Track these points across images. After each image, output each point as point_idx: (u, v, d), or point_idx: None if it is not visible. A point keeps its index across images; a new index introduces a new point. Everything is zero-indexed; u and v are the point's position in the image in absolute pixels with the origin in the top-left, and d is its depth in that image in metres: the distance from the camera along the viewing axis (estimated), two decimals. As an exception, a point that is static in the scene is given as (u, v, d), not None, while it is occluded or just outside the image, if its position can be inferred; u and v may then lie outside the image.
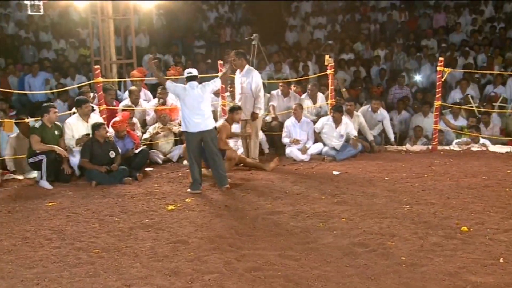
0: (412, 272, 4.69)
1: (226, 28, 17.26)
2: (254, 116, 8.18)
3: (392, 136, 9.96)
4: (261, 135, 8.81)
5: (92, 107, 8.31)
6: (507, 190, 6.90)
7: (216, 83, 7.37)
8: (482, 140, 9.35)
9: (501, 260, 4.86)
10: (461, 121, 10.23)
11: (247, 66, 8.07)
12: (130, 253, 5.19)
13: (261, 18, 18.02)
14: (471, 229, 5.60)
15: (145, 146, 8.43)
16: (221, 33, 17.05)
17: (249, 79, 8.01)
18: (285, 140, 9.02)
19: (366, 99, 11.79)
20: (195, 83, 7.17)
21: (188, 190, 7.13)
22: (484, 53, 13.87)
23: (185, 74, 7.34)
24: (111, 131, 8.14)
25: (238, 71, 8.19)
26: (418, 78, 13.29)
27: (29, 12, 11.05)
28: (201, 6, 18.32)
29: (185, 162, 8.77)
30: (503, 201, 6.45)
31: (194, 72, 7.31)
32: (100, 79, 8.26)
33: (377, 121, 9.78)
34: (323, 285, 4.50)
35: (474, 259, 4.91)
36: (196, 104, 7.05)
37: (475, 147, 9.25)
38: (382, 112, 9.94)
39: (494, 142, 9.46)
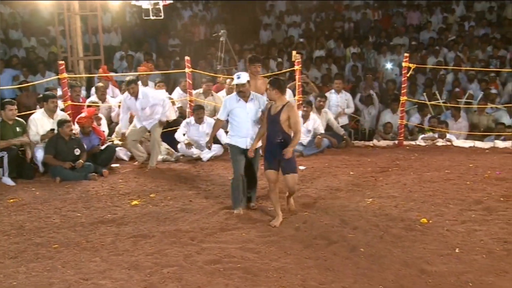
0: (370, 262, 4.77)
1: (200, 26, 17.20)
2: (161, 123, 8.22)
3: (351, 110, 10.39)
4: None
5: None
6: (468, 183, 7.02)
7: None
8: (447, 135, 9.50)
9: (456, 250, 4.97)
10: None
11: None
12: (90, 248, 5.17)
13: (236, 16, 18.01)
14: (431, 221, 5.71)
15: (111, 142, 8.38)
16: (195, 32, 17.00)
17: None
18: None
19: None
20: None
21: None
22: (453, 51, 14.03)
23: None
24: (76, 128, 8.07)
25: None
26: (389, 66, 13.37)
27: (151, 17, 10.29)
28: (176, 4, 18.24)
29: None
30: (463, 194, 6.56)
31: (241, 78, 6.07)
32: (65, 74, 8.19)
33: (345, 100, 10.04)
34: (281, 276, 4.54)
35: (431, 249, 5.01)
36: None
37: (440, 142, 9.39)
38: (346, 93, 10.32)
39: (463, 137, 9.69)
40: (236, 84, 6.00)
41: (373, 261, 4.79)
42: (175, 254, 4.99)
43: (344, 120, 10.00)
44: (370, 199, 6.48)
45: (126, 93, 8.05)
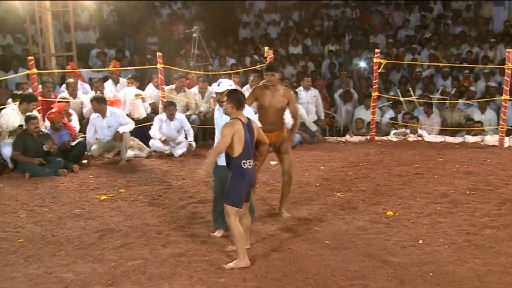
0: (334, 254, 4.81)
1: (179, 24, 17.15)
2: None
3: (322, 113, 10.38)
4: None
5: None
6: (436, 177, 7.11)
7: None
8: (419, 131, 9.60)
9: (420, 242, 5.04)
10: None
11: None
12: (55, 242, 5.16)
13: (215, 15, 17.98)
14: (397, 214, 5.78)
15: (82, 138, 8.33)
16: (174, 30, 16.95)
17: None
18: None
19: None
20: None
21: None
22: (426, 48, 14.15)
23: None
24: (47, 124, 8.01)
25: None
26: (362, 64, 13.44)
27: None
28: (154, 2, 18.20)
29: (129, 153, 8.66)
30: (430, 187, 6.64)
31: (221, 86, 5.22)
32: (35, 70, 8.12)
33: (313, 97, 10.10)
34: (246, 268, 4.55)
35: (395, 241, 5.07)
36: None
37: (411, 137, 9.47)
38: (315, 90, 10.36)
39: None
40: (216, 92, 5.30)
41: (337, 253, 4.84)
42: (141, 247, 4.99)
43: (313, 117, 10.02)
44: (339, 193, 6.53)
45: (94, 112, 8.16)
